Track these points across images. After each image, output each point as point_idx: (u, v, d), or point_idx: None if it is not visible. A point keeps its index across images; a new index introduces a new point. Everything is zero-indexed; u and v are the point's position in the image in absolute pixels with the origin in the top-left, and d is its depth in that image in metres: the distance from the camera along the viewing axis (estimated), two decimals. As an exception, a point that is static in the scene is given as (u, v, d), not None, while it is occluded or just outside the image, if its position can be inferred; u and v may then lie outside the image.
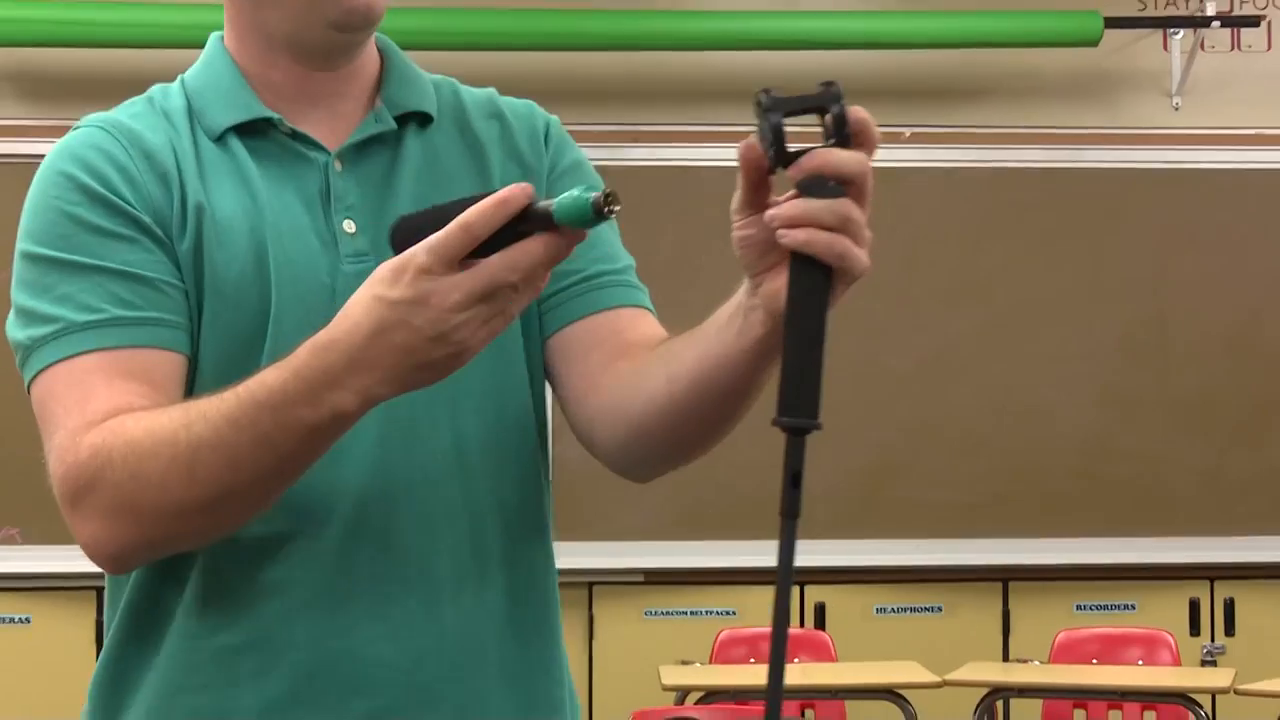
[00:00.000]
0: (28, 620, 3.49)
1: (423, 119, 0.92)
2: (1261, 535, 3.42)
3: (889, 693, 3.26)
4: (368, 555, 0.84)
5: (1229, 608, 3.48)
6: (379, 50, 0.93)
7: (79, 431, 0.77)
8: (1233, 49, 3.67)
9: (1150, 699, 3.28)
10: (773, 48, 3.40)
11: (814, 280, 0.66)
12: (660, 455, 0.88)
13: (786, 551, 0.61)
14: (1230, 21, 3.58)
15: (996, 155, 3.56)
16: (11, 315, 0.85)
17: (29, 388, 0.83)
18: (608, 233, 0.94)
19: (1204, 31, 3.57)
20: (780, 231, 0.66)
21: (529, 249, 0.67)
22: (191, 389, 0.84)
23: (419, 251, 0.67)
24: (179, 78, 0.93)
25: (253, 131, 0.88)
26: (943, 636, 3.73)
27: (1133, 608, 3.60)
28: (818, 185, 0.65)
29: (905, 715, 3.25)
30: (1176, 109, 3.64)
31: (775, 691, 0.61)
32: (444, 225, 0.68)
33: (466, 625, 0.86)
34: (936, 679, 3.29)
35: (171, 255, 0.84)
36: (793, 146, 0.64)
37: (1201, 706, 3.02)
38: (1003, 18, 3.58)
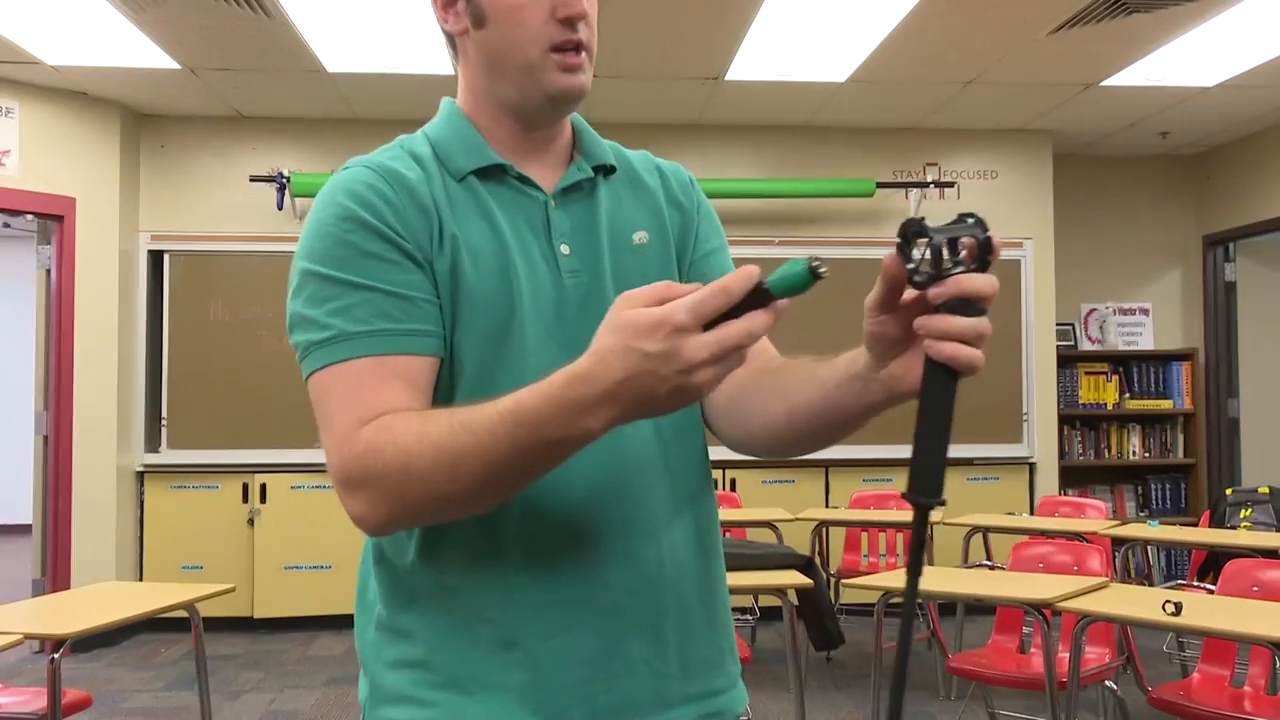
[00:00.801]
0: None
1: (608, 170, 1.07)
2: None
3: (768, 524, 4.87)
4: (607, 505, 0.95)
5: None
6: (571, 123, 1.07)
7: (354, 425, 0.87)
8: (941, 198, 6.00)
9: (904, 526, 4.83)
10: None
11: (946, 383, 0.74)
12: (768, 453, 1.02)
13: (910, 600, 0.73)
14: (939, 184, 5.99)
15: (825, 252, 5.24)
16: (292, 318, 0.94)
17: (309, 380, 0.92)
18: (730, 266, 1.09)
19: (926, 189, 6.00)
20: (929, 343, 0.75)
21: (762, 320, 0.75)
22: (452, 380, 0.95)
23: (678, 310, 0.74)
24: (420, 131, 1.05)
25: (487, 175, 1.01)
26: (795, 495, 5.76)
27: (890, 480, 5.76)
28: (962, 305, 0.73)
29: (776, 536, 4.83)
30: None
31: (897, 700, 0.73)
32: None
33: (674, 553, 0.99)
34: (791, 516, 4.94)
35: (429, 274, 0.95)
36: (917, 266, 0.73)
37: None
38: (826, 183, 5.87)
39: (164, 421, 5.70)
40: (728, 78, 5.15)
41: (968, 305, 0.74)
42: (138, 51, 4.76)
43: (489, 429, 0.81)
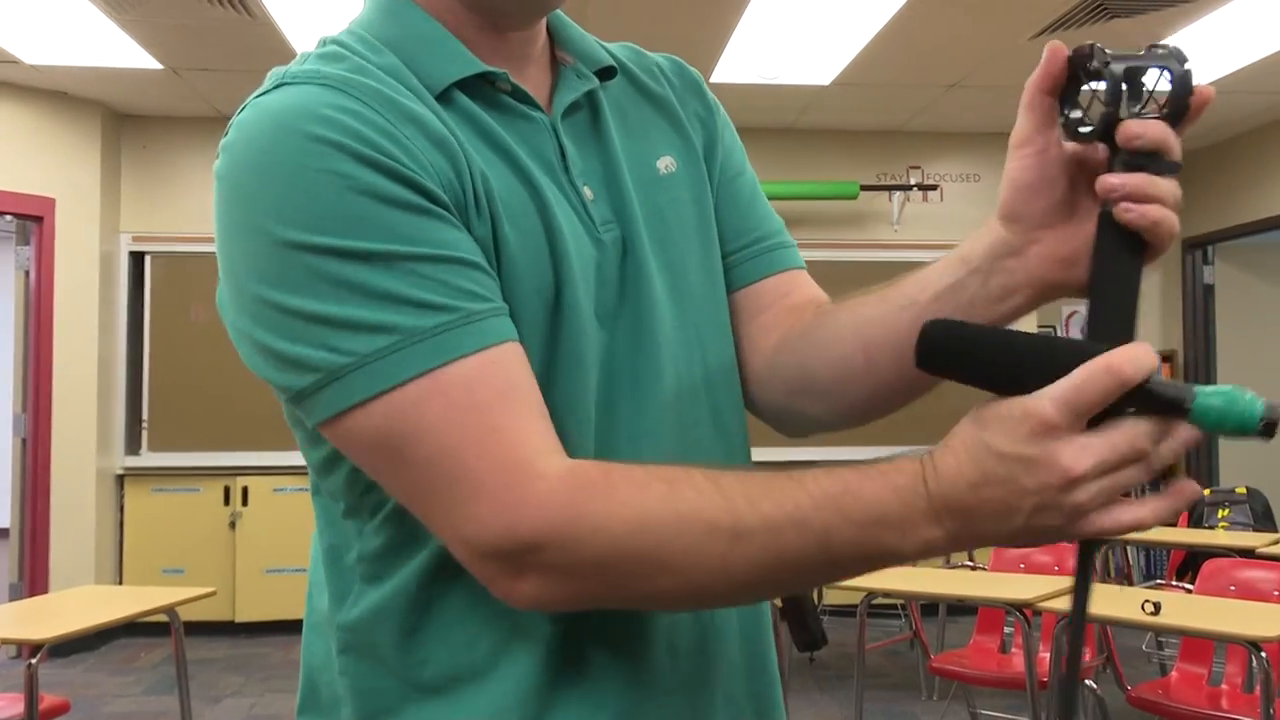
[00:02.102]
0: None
1: (608, 73, 0.78)
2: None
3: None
4: None
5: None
6: None
7: (523, 477, 0.59)
8: (924, 200, 6.10)
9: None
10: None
11: (1134, 261, 0.55)
12: (834, 416, 0.77)
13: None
14: (922, 187, 6.06)
15: (809, 254, 6.18)
16: (285, 329, 0.60)
17: (344, 417, 0.60)
18: (761, 192, 0.85)
19: (909, 192, 6.07)
20: (1125, 207, 0.56)
21: (1185, 436, 0.53)
22: None
23: (1044, 404, 0.52)
24: (353, 28, 0.73)
25: (473, 91, 0.70)
26: None
27: None
28: (1156, 161, 0.56)
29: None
30: (895, 231, 6.03)
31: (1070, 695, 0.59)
32: (1022, 362, 0.53)
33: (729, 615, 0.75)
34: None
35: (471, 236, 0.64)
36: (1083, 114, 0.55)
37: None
38: (810, 185, 5.90)
39: (144, 424, 5.67)
40: (713, 80, 5.16)
41: (1159, 162, 0.57)
42: (119, 51, 4.73)
43: (793, 515, 0.58)
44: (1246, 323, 6.63)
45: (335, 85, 0.65)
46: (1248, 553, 3.95)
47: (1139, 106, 0.57)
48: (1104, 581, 5.01)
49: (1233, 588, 3.30)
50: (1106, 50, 0.57)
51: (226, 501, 5.68)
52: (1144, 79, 0.56)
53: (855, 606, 3.55)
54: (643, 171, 0.79)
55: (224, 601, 5.52)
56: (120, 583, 5.56)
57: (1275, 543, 4.32)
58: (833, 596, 5.42)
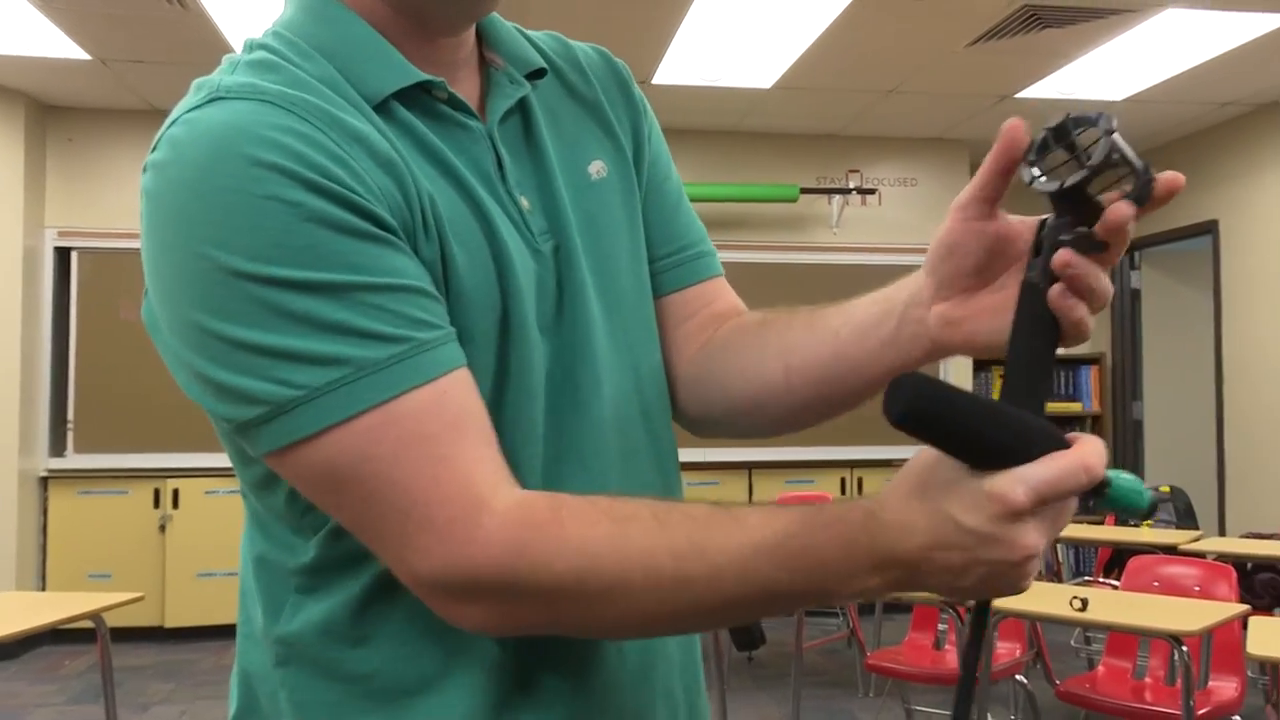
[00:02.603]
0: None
1: (537, 74, 0.76)
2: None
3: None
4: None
5: (860, 484, 6.05)
6: None
7: (470, 510, 0.58)
8: (863, 204, 6.17)
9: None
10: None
11: (1049, 343, 0.56)
12: (753, 429, 0.79)
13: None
14: (861, 191, 6.12)
15: (749, 256, 5.80)
16: (226, 359, 0.58)
17: (292, 450, 0.59)
18: (685, 198, 0.84)
19: (848, 195, 6.12)
20: (1063, 294, 0.56)
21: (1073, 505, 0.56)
22: None
23: (1018, 491, 0.53)
24: (273, 34, 0.69)
25: (406, 99, 0.68)
26: (719, 496, 6.17)
27: (813, 482, 5.94)
28: (1089, 243, 0.55)
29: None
30: (835, 234, 6.09)
31: None
32: (985, 426, 0.53)
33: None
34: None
35: (420, 264, 0.63)
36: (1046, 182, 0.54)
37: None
38: (751, 188, 5.97)
39: (70, 424, 5.52)
40: (654, 81, 5.17)
41: (1094, 245, 0.57)
42: (44, 40, 4.59)
43: (737, 561, 0.58)
44: (1171, 325, 6.82)
45: (276, 102, 0.62)
46: (1171, 549, 4.06)
47: (1100, 182, 0.57)
48: (1035, 578, 5.11)
49: (1156, 584, 3.40)
50: (1084, 121, 0.57)
51: (156, 504, 5.55)
52: (1114, 156, 0.57)
53: (794, 605, 3.56)
54: (575, 177, 0.77)
55: (153, 607, 5.41)
56: (44, 588, 5.39)
57: (1196, 540, 4.45)
58: (772, 596, 5.45)
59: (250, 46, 0.69)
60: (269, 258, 0.58)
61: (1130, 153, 0.56)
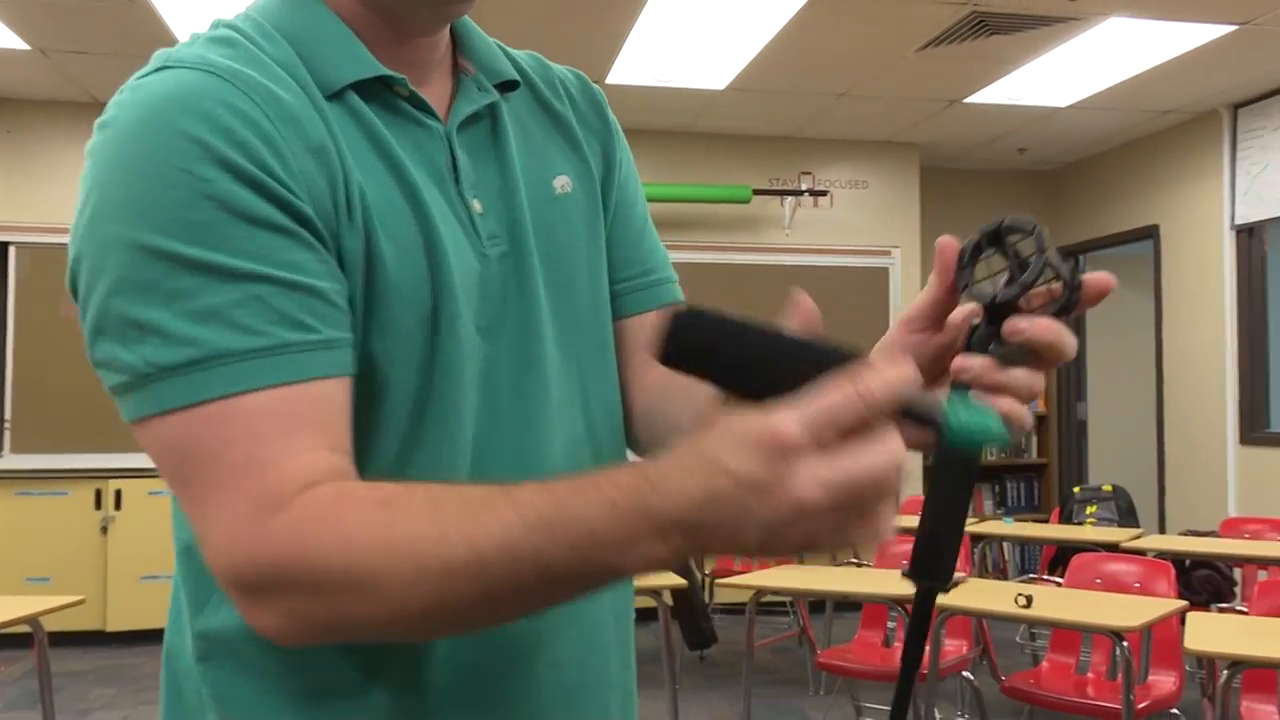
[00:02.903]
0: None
1: (508, 86, 0.77)
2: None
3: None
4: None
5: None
6: None
7: (265, 510, 0.56)
8: (815, 205, 6.24)
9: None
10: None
11: (976, 453, 0.53)
12: None
13: (903, 692, 0.58)
14: (813, 192, 6.19)
15: (703, 256, 5.95)
16: (108, 323, 0.59)
17: (143, 423, 0.59)
18: (650, 224, 0.84)
19: (800, 197, 6.19)
20: (976, 394, 0.56)
21: (900, 451, 0.48)
22: (369, 411, 0.65)
23: (786, 422, 0.47)
24: (246, 16, 0.70)
25: (366, 92, 0.68)
26: None
27: None
28: (1022, 354, 0.55)
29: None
30: (787, 235, 6.15)
31: None
32: (781, 362, 0.49)
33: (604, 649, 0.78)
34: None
35: (332, 253, 0.63)
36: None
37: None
38: (704, 188, 6.00)
39: (7, 424, 5.38)
40: (608, 81, 5.17)
41: (1021, 356, 0.58)
42: (-19, 29, 4.47)
43: (504, 543, 0.53)
44: (1114, 328, 6.95)
45: (221, 75, 0.63)
46: (1112, 547, 4.15)
47: (1024, 289, 0.58)
48: (982, 576, 5.20)
49: (1099, 580, 3.47)
50: (1017, 228, 0.58)
51: (98, 505, 5.43)
52: (1047, 272, 0.57)
53: (745, 605, 3.59)
54: (538, 189, 0.78)
55: (94, 610, 5.29)
56: (-21, 592, 5.26)
57: (1137, 537, 4.56)
58: (723, 595, 5.48)
59: (216, 24, 0.70)
60: (166, 230, 0.58)
61: (1062, 266, 0.57)
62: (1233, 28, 4.50)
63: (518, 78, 0.79)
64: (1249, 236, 5.63)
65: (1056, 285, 0.57)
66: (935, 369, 0.65)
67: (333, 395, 0.62)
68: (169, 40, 4.49)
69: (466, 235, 0.71)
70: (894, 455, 0.48)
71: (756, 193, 6.12)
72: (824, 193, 6.32)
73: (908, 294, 6.37)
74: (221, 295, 0.59)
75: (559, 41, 4.65)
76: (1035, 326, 0.58)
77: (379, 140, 0.68)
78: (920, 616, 0.58)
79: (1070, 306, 0.57)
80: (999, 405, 0.57)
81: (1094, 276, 0.58)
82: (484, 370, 0.71)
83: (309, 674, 0.68)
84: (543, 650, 0.73)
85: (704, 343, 0.51)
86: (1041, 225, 0.56)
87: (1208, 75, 5.14)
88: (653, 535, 0.51)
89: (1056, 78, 5.20)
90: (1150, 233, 6.32)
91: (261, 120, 0.62)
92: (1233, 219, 5.67)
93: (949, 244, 0.61)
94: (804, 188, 6.27)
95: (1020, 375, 0.58)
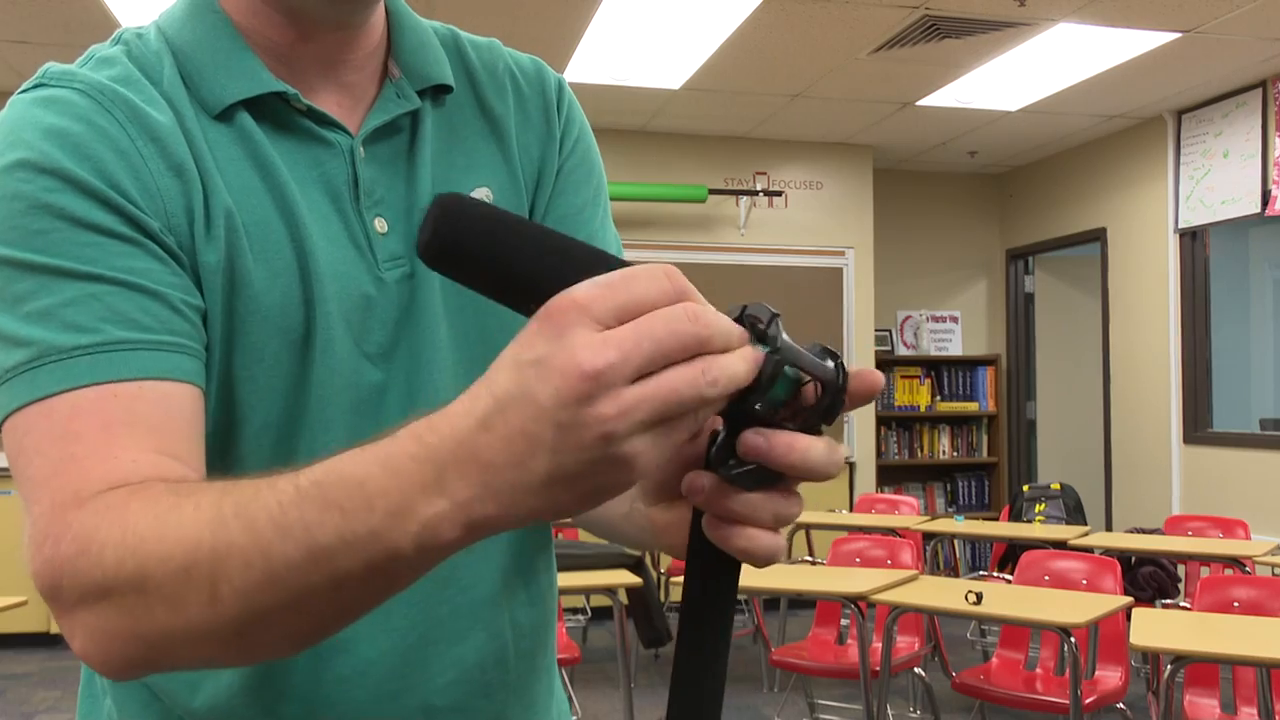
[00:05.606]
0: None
1: (440, 90, 0.72)
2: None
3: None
4: (428, 589, 0.66)
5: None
6: (385, 5, 0.70)
7: (64, 508, 0.53)
8: (770, 206, 6.31)
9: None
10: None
11: (724, 572, 0.47)
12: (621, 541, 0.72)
13: None
14: (768, 193, 6.26)
15: (658, 255, 5.91)
16: None
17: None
18: (605, 237, 0.79)
19: (755, 197, 6.25)
20: (710, 522, 0.46)
21: (751, 355, 0.43)
22: (228, 435, 0.63)
23: (578, 287, 0.41)
24: (153, 26, 0.69)
25: (262, 109, 0.66)
26: None
27: None
28: (766, 475, 0.44)
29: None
30: (742, 235, 6.21)
31: None
32: (573, 267, 0.43)
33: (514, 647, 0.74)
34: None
35: (188, 270, 0.62)
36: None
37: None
38: (660, 187, 6.03)
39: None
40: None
41: (764, 478, 0.46)
42: (-82, 17, 4.35)
43: (275, 516, 0.46)
44: (1062, 328, 7.08)
45: (87, 92, 0.64)
46: (1061, 544, 4.22)
47: (781, 401, 0.45)
48: (933, 573, 5.26)
49: (1047, 577, 3.53)
50: (758, 317, 0.44)
51: (40, 506, 5.30)
52: (792, 376, 0.45)
53: (700, 603, 3.59)
54: None
55: (39, 612, 5.15)
56: (-85, 596, 5.12)
57: (1084, 535, 4.64)
58: (678, 593, 5.48)
59: (115, 39, 0.70)
60: (5, 239, 0.59)
61: (816, 365, 0.44)
62: (1178, 35, 4.59)
63: (449, 82, 0.74)
64: (1192, 240, 5.76)
65: (810, 386, 0.44)
66: (677, 485, 0.49)
67: (169, 398, 0.59)
68: (112, 29, 4.41)
69: (361, 257, 0.68)
70: (689, 312, 0.41)
71: (712, 192, 6.16)
72: (779, 193, 6.37)
73: (861, 293, 6.43)
74: (56, 295, 0.58)
75: (513, 39, 4.60)
76: (773, 445, 0.44)
77: (263, 160, 0.67)
78: None
79: (834, 410, 0.44)
80: (731, 540, 0.46)
81: (861, 376, 0.46)
82: (371, 398, 0.68)
83: (208, 693, 0.68)
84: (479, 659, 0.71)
85: (476, 231, 0.44)
86: (779, 318, 0.44)
87: (1153, 81, 5.25)
88: (428, 487, 0.43)
89: (1006, 82, 5.28)
90: (1098, 235, 6.45)
91: (120, 137, 0.62)
92: (1176, 223, 5.80)
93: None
94: (759, 188, 6.32)
95: (756, 501, 0.46)
